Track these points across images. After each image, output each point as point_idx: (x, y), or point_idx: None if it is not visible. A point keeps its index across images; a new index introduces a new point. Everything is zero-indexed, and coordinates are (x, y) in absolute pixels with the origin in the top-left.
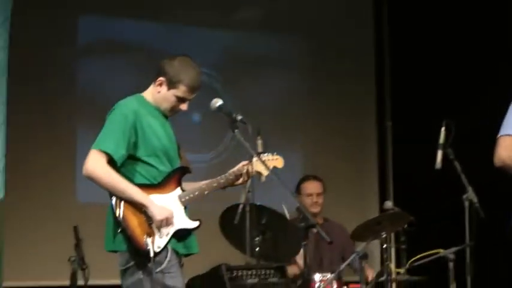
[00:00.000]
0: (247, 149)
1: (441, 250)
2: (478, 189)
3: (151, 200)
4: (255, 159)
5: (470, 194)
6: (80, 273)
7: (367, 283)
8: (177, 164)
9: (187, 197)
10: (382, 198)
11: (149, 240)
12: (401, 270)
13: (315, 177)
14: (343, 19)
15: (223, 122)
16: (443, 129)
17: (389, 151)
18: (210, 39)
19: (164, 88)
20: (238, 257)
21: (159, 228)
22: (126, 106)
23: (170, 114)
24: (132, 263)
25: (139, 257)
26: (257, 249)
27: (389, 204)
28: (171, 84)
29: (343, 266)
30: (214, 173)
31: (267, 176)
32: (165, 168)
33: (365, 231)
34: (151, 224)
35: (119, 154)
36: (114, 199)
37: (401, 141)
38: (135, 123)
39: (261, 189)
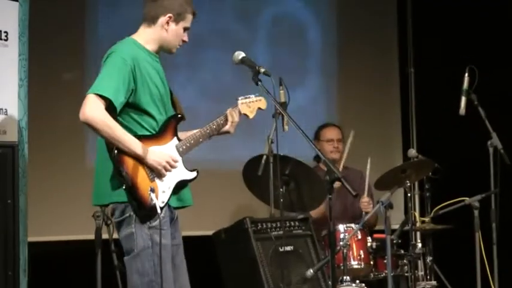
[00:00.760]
0: (274, 102)
1: (466, 198)
2: (503, 135)
3: (150, 151)
4: (239, 101)
5: (495, 140)
6: (104, 229)
7: (392, 232)
8: (171, 111)
9: (184, 147)
10: (406, 146)
11: (153, 195)
12: (426, 219)
13: (334, 124)
14: None
15: None
16: (466, 75)
17: (412, 98)
18: None
19: (172, 24)
20: (263, 209)
21: (162, 177)
22: (124, 51)
23: (174, 51)
24: (127, 214)
25: (140, 210)
26: (281, 200)
27: (413, 152)
28: (180, 17)
29: (368, 216)
30: None
31: (252, 118)
32: (161, 117)
33: (389, 180)
34: (153, 178)
35: (119, 101)
36: (116, 154)
37: (424, 88)
38: (134, 69)
39: (284, 139)
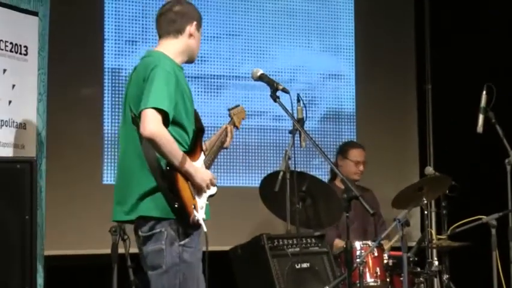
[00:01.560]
0: (291, 119)
1: (483, 216)
2: None
3: (197, 169)
4: (232, 114)
5: None
6: (120, 244)
7: (408, 250)
8: (193, 124)
9: (208, 161)
10: (423, 164)
11: (196, 212)
12: (443, 237)
13: (362, 145)
14: None
15: None
16: (484, 92)
17: (429, 115)
18: None
19: (196, 32)
20: (279, 225)
21: (200, 196)
22: (167, 64)
23: (195, 59)
24: (157, 230)
25: (185, 226)
26: (298, 216)
27: (430, 169)
28: (199, 24)
29: (385, 233)
30: None
31: (238, 128)
32: (191, 130)
33: (406, 198)
34: (195, 195)
35: (171, 114)
36: (169, 170)
37: (442, 105)
38: (177, 83)
39: (301, 156)
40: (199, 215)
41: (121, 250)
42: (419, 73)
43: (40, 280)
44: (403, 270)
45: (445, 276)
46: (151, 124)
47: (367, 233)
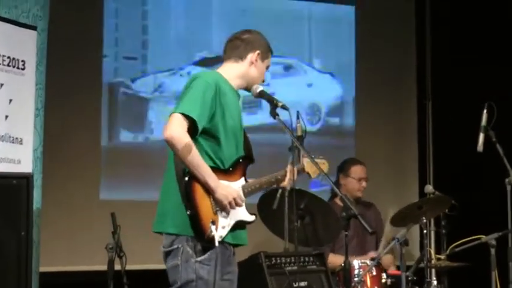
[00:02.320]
0: (291, 136)
1: (483, 236)
2: None
3: (220, 184)
4: (305, 160)
5: None
6: (116, 260)
7: (407, 269)
8: (242, 150)
9: (249, 189)
10: (422, 182)
11: (214, 227)
12: (442, 256)
13: (362, 162)
14: None
15: None
16: (485, 111)
17: (429, 132)
18: None
19: (260, 61)
20: (277, 243)
21: (225, 213)
22: (210, 77)
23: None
24: (175, 246)
25: (197, 240)
26: (296, 234)
27: (430, 188)
28: (265, 55)
29: (383, 252)
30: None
31: (312, 178)
32: (231, 151)
33: (405, 216)
34: (217, 211)
35: (202, 123)
36: (188, 178)
37: (442, 123)
38: (217, 95)
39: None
40: (218, 232)
41: (117, 267)
42: (419, 89)
43: None
44: None
45: None
46: (173, 127)
47: (365, 251)
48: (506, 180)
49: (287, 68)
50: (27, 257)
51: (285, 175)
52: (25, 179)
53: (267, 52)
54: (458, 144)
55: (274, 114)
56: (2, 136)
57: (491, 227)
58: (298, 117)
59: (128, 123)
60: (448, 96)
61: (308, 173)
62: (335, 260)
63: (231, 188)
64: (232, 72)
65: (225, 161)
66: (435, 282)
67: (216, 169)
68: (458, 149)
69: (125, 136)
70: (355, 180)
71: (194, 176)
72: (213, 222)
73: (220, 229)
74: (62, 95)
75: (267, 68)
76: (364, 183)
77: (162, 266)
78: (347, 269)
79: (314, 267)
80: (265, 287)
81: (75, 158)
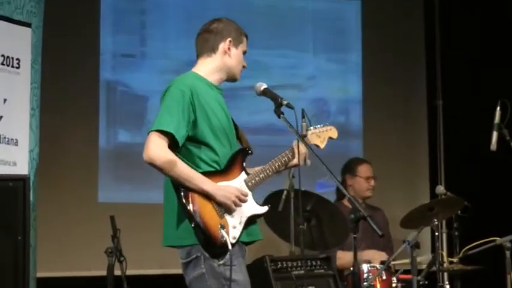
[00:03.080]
0: (296, 135)
1: (497, 238)
2: None
3: (217, 187)
4: (309, 132)
5: None
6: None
7: (418, 273)
8: (236, 144)
9: (253, 181)
10: (433, 183)
11: (224, 231)
12: (455, 259)
13: (367, 160)
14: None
15: None
16: (498, 108)
17: (440, 132)
18: None
19: (233, 48)
20: (283, 247)
21: (231, 213)
22: (182, 82)
23: (239, 77)
24: (194, 256)
25: (210, 248)
26: (302, 237)
27: (441, 188)
28: (237, 41)
29: (393, 256)
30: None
31: (323, 148)
32: (225, 150)
33: (416, 218)
34: (223, 214)
35: (181, 135)
36: (182, 191)
37: (453, 121)
38: (193, 100)
39: (305, 175)
40: (231, 233)
41: (117, 272)
42: (430, 88)
43: None
44: None
45: None
46: (151, 147)
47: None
48: None
49: (291, 65)
50: (24, 262)
51: (293, 152)
52: (21, 181)
53: (239, 37)
54: (470, 143)
55: (278, 113)
56: None
57: (506, 229)
58: (303, 116)
59: (126, 123)
60: (459, 94)
61: (316, 145)
62: (344, 256)
63: (230, 187)
64: (208, 67)
65: (221, 163)
66: (448, 287)
67: (213, 173)
68: (471, 148)
69: (124, 136)
70: (363, 179)
71: (189, 188)
72: (223, 227)
73: (232, 230)
74: (57, 94)
75: (244, 52)
76: (372, 182)
77: (163, 271)
78: (356, 273)
79: (322, 271)
80: None
81: (72, 159)
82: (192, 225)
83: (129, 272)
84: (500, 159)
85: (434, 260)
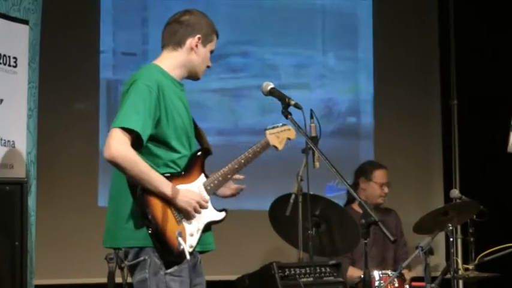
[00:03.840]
0: (304, 137)
1: None
2: None
3: (178, 191)
4: (267, 132)
5: None
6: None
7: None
8: (195, 145)
9: (212, 185)
10: (448, 186)
11: (181, 239)
12: (470, 266)
13: (384, 165)
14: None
15: None
16: None
17: (455, 133)
18: None
19: (201, 46)
20: (291, 253)
21: (190, 219)
22: (149, 77)
23: (201, 76)
24: (141, 258)
25: (166, 256)
26: (311, 243)
27: (456, 192)
28: (207, 39)
29: (406, 262)
30: None
31: (281, 150)
32: (185, 151)
33: (430, 223)
34: (181, 220)
35: (146, 133)
36: (139, 192)
37: (469, 122)
38: (159, 97)
39: (314, 178)
40: (188, 241)
41: (118, 279)
42: (444, 87)
43: None
44: None
45: None
46: (113, 145)
47: (386, 261)
48: None
49: (299, 64)
50: (22, 269)
51: (255, 153)
52: (19, 185)
53: (209, 35)
54: (486, 145)
55: (286, 113)
56: None
57: None
58: (312, 117)
59: None
60: (474, 95)
61: (274, 146)
62: (356, 274)
63: (191, 191)
64: (172, 62)
65: (180, 164)
66: None
67: (173, 175)
68: (486, 151)
69: None
70: (378, 186)
71: (149, 189)
72: (180, 234)
73: (189, 238)
74: (56, 94)
75: (211, 52)
76: (386, 189)
77: None
78: (367, 280)
79: (331, 278)
80: None
81: (72, 162)
82: (149, 231)
83: (130, 279)
84: None
85: (449, 267)
